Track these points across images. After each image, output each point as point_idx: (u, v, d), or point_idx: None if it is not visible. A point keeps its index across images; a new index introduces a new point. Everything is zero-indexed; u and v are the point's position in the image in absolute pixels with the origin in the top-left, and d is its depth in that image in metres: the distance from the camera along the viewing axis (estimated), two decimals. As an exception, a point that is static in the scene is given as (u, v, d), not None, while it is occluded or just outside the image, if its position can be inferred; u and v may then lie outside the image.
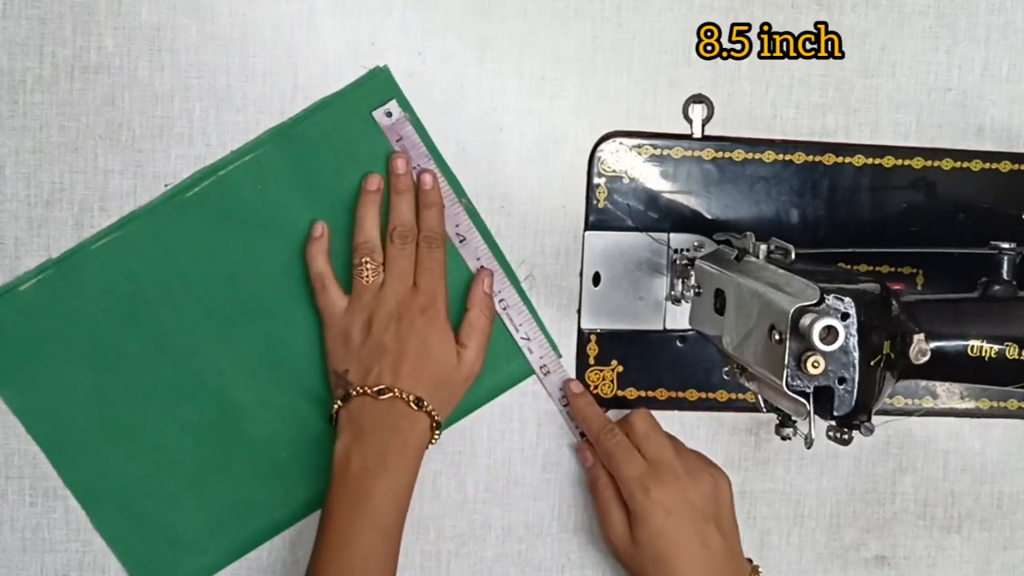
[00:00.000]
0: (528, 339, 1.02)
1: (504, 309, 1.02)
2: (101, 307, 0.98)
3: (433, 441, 0.97)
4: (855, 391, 0.84)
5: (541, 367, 1.03)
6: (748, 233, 0.94)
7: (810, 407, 0.85)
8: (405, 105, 0.99)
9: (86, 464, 0.99)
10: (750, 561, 1.01)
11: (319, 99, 0.98)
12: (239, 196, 0.98)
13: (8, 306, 0.97)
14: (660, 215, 1.03)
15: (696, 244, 1.03)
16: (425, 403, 0.95)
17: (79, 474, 0.99)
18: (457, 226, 1.01)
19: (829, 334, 0.82)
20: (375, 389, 0.95)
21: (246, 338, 1.00)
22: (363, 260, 0.98)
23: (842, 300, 0.83)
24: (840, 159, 1.04)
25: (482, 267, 1.01)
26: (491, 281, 1.01)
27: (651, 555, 0.96)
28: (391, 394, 0.95)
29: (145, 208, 0.98)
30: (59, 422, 0.99)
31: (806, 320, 0.82)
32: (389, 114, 0.99)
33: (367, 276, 0.98)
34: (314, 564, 0.93)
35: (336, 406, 0.97)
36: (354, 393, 0.96)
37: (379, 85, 0.99)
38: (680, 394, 1.05)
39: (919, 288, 1.06)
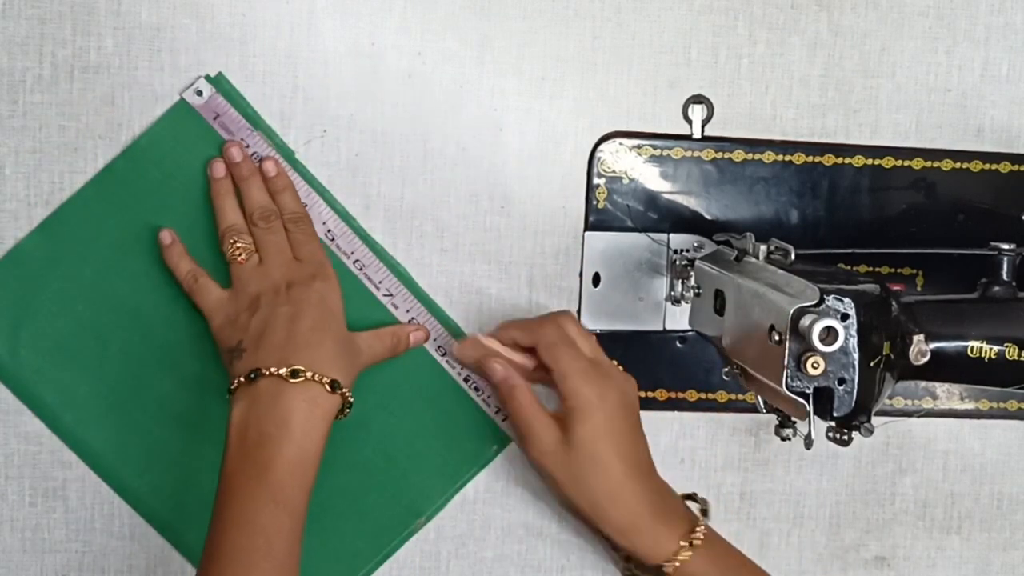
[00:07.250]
0: (391, 295, 0.99)
1: (360, 269, 0.98)
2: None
3: (343, 416, 0.91)
4: (855, 392, 0.85)
5: (411, 320, 1.00)
6: (748, 234, 0.94)
7: (810, 408, 0.85)
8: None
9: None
10: None
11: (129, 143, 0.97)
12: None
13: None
14: (660, 215, 1.03)
15: (696, 245, 1.03)
16: (341, 386, 0.89)
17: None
18: (325, 223, 0.98)
19: (829, 335, 0.82)
20: (288, 371, 0.88)
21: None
22: (233, 242, 0.94)
23: (842, 301, 0.83)
24: (840, 160, 1.04)
25: (418, 326, 0.99)
26: (423, 336, 0.99)
27: (588, 454, 0.93)
28: (304, 378, 0.88)
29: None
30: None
31: (806, 321, 0.82)
32: (200, 92, 0.96)
33: (242, 255, 0.94)
34: (212, 546, 0.85)
35: (236, 383, 0.89)
36: (266, 374, 0.88)
37: (181, 116, 0.97)
38: (680, 395, 1.05)
39: (919, 289, 1.06)
